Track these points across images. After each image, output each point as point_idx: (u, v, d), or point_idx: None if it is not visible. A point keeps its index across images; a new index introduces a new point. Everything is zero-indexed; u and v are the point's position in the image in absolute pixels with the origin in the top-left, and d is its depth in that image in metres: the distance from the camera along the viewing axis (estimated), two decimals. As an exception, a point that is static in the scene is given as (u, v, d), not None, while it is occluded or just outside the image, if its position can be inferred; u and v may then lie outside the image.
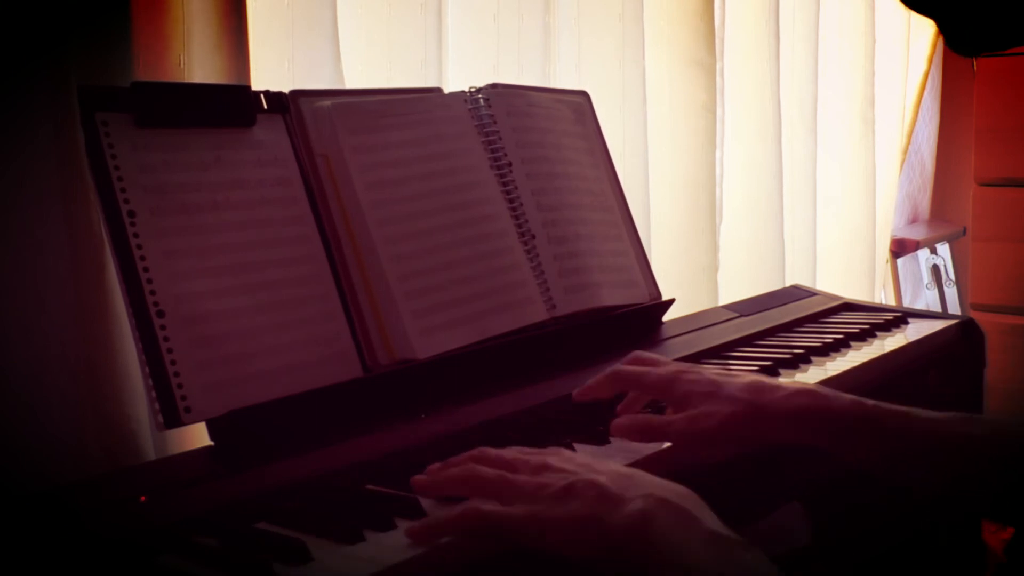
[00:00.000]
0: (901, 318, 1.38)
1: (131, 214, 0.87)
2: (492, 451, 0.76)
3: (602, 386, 0.93)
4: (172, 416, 0.83)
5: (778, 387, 0.87)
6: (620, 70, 1.58)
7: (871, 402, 0.86)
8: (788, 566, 0.74)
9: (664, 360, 0.94)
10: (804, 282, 1.83)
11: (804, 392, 0.86)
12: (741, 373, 0.92)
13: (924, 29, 2.59)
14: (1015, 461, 0.81)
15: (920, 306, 2.77)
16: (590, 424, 0.91)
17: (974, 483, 0.82)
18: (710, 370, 0.91)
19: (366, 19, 1.29)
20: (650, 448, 0.86)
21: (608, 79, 1.57)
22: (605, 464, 0.73)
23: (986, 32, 0.78)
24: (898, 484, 0.86)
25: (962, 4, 0.75)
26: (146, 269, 0.86)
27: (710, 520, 0.65)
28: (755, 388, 0.86)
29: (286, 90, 1.02)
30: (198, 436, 0.90)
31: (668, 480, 0.70)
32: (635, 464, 0.83)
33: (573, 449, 0.86)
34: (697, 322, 1.33)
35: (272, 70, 1.15)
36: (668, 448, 0.87)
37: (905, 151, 2.59)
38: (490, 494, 0.71)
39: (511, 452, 0.76)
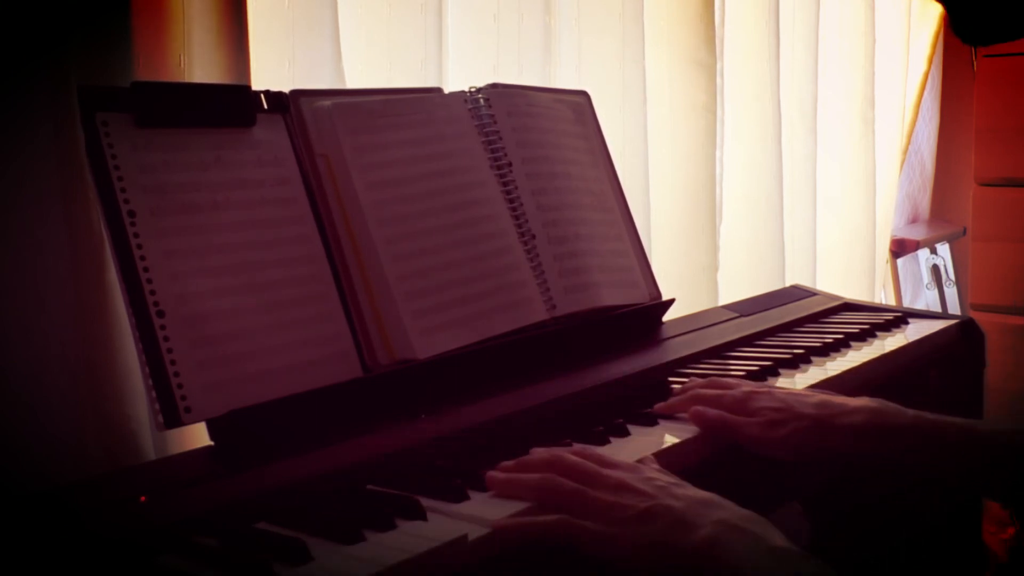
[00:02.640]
0: (901, 318, 1.38)
1: (131, 214, 0.87)
2: (570, 459, 0.78)
3: (684, 405, 0.96)
4: (172, 416, 0.83)
5: (844, 404, 0.93)
6: (620, 70, 1.58)
7: (932, 416, 0.92)
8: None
9: (737, 383, 0.99)
10: (804, 282, 1.83)
11: (868, 409, 0.92)
12: (810, 393, 0.97)
13: (924, 29, 2.59)
14: None
15: (920, 306, 2.77)
16: (589, 425, 0.92)
17: None
18: (780, 390, 0.97)
19: (366, 19, 1.29)
20: (649, 448, 0.86)
21: (608, 79, 1.57)
22: (682, 488, 0.75)
23: (993, 22, 0.78)
24: (966, 493, 0.91)
25: None
26: (146, 269, 0.86)
27: (775, 537, 0.69)
28: (823, 404, 0.93)
29: (286, 90, 1.02)
30: (198, 436, 0.90)
31: (734, 504, 0.74)
32: (642, 460, 0.84)
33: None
34: (697, 322, 1.33)
35: (272, 70, 1.15)
36: (679, 443, 0.89)
37: (905, 151, 2.59)
38: (567, 507, 0.74)
39: (590, 464, 0.78)
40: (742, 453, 0.93)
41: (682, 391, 0.99)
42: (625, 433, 0.91)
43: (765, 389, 0.98)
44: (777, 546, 0.69)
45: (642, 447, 0.87)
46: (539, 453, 0.81)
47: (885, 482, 1.01)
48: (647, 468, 0.80)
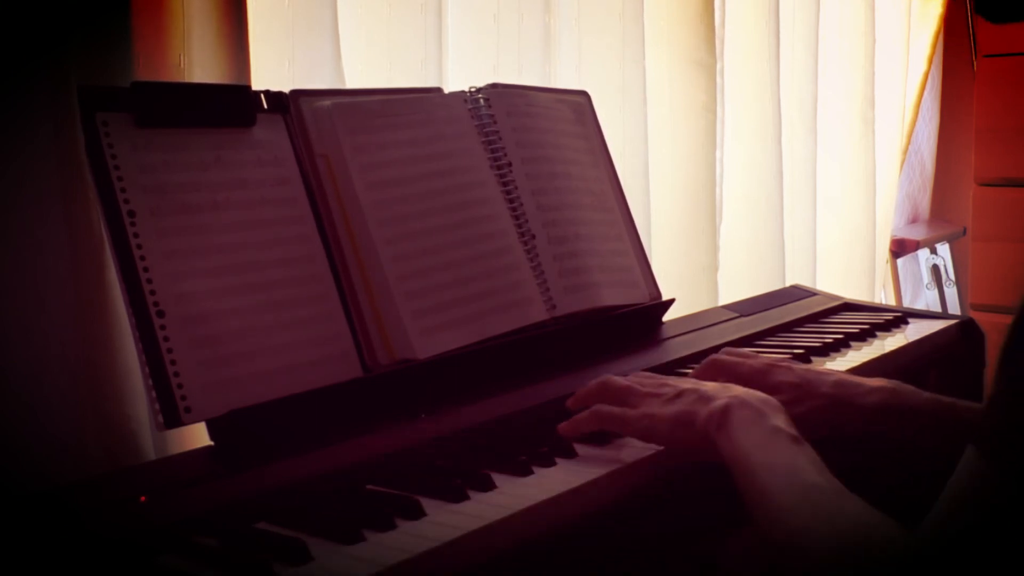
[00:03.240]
0: (901, 318, 1.38)
1: (131, 214, 0.87)
2: (614, 382, 0.91)
3: (704, 373, 1.00)
4: (172, 416, 0.83)
5: (861, 383, 0.96)
6: (620, 70, 1.58)
7: (948, 399, 0.94)
8: (787, 566, 0.74)
9: (755, 355, 1.03)
10: (804, 282, 1.83)
11: (885, 389, 0.95)
12: (828, 371, 1.00)
13: (924, 29, 2.59)
14: None
15: (920, 306, 2.77)
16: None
17: None
18: (799, 366, 0.99)
19: (366, 19, 1.29)
20: (647, 452, 0.86)
21: (608, 79, 1.57)
22: (711, 383, 0.87)
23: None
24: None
25: None
26: (146, 269, 0.86)
27: (777, 419, 0.80)
28: (840, 384, 0.96)
29: (286, 90, 1.02)
30: (198, 436, 0.90)
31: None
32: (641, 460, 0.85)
33: (573, 449, 0.86)
34: (697, 322, 1.33)
35: (272, 70, 1.15)
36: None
37: (905, 151, 2.59)
38: (617, 400, 0.88)
39: (631, 383, 0.90)
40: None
41: (702, 364, 1.02)
42: (618, 434, 0.91)
43: (784, 364, 1.00)
44: (776, 426, 0.79)
45: (642, 445, 0.87)
46: (591, 385, 0.92)
47: (900, 463, 1.02)
48: (683, 377, 0.92)
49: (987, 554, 0.59)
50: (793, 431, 0.79)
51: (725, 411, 0.80)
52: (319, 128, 1.01)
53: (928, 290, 2.78)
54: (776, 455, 0.76)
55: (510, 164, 1.16)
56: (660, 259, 1.65)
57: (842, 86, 2.26)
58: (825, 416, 0.94)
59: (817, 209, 2.19)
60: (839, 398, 0.94)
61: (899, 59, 2.48)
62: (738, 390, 0.84)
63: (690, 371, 1.11)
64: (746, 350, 1.06)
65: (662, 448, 0.87)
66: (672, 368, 1.13)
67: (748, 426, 0.79)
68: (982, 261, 2.52)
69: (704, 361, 1.02)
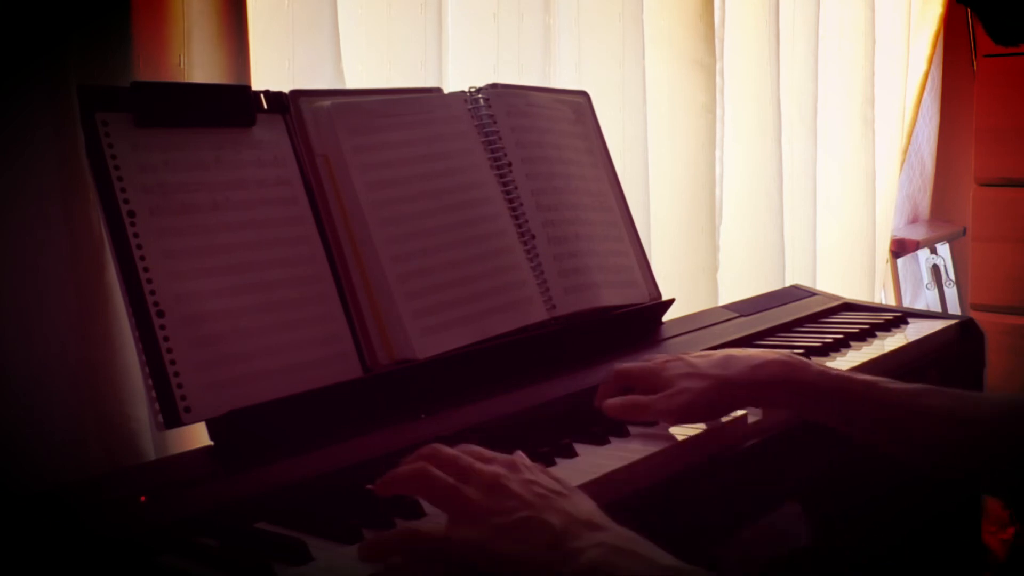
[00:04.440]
0: (901, 318, 1.38)
1: (131, 214, 0.87)
2: (446, 451, 0.73)
3: (610, 386, 0.99)
4: (172, 416, 0.83)
5: (748, 358, 0.96)
6: (620, 70, 1.58)
7: (836, 371, 0.95)
8: (787, 567, 0.74)
9: (654, 357, 1.02)
10: (804, 282, 1.83)
11: (772, 363, 0.95)
12: (715, 352, 1.00)
13: (924, 29, 2.59)
14: (983, 433, 0.90)
15: (920, 306, 2.77)
16: (589, 425, 0.92)
17: (936, 453, 0.91)
18: (690, 355, 0.99)
19: (366, 19, 1.29)
20: (646, 452, 0.86)
21: (608, 79, 1.57)
22: (562, 499, 0.69)
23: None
24: (865, 445, 0.96)
25: None
26: (146, 269, 0.86)
27: (663, 557, 0.65)
28: (723, 363, 0.96)
29: (286, 90, 1.02)
30: (198, 436, 0.91)
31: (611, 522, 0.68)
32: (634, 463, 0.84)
33: (573, 449, 0.86)
34: (697, 322, 1.33)
35: (272, 70, 1.15)
36: (684, 441, 0.90)
37: (905, 151, 2.59)
38: (438, 501, 0.70)
39: (466, 457, 0.72)
40: (755, 449, 0.94)
41: (609, 377, 1.00)
42: (625, 433, 0.91)
43: (677, 357, 0.99)
44: (670, 565, 0.64)
45: (642, 446, 0.87)
46: (422, 449, 0.74)
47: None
48: (525, 468, 0.73)
49: None
50: (681, 563, 0.65)
51: (596, 567, 0.64)
52: (319, 128, 1.01)
53: (928, 290, 2.78)
54: None
55: (510, 164, 1.16)
56: (660, 259, 1.65)
57: (842, 86, 2.26)
58: (713, 397, 0.93)
59: (817, 209, 2.19)
60: (721, 377, 0.94)
61: (899, 59, 2.48)
62: (604, 534, 0.67)
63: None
64: (640, 361, 1.01)
65: (661, 449, 0.87)
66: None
67: (638, 574, 0.64)
68: (982, 261, 2.52)
69: (611, 373, 1.00)
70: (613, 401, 0.95)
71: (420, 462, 0.71)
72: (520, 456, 0.75)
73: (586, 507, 0.70)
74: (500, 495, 0.68)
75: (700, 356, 0.99)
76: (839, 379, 0.94)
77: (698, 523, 0.86)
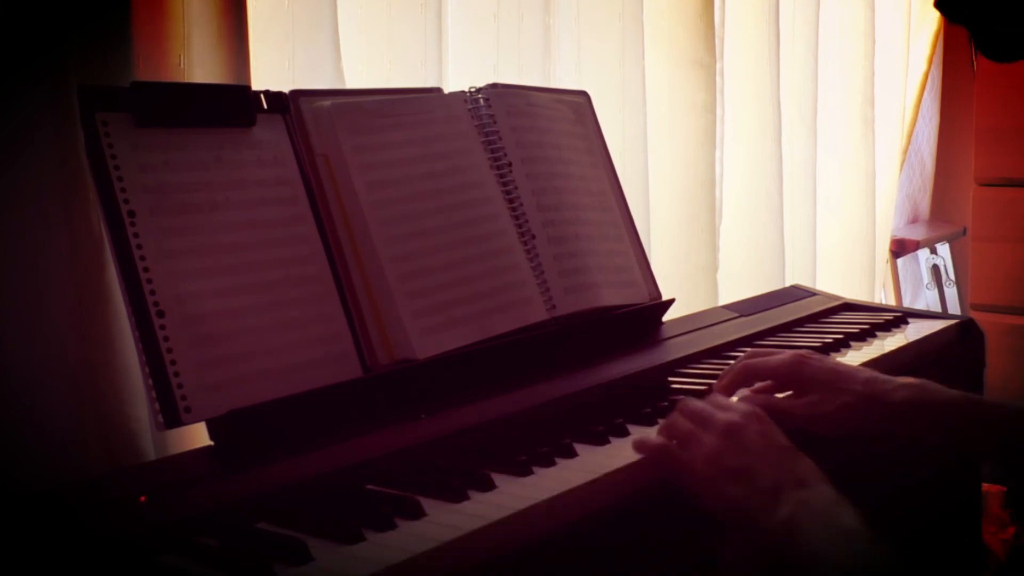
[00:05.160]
0: (901, 318, 1.38)
1: (131, 214, 0.87)
2: (692, 403, 0.88)
3: (737, 379, 1.00)
4: (172, 416, 0.83)
5: (889, 380, 0.96)
6: (620, 70, 1.58)
7: (975, 396, 0.96)
8: (788, 567, 0.74)
9: (780, 351, 1.02)
10: (804, 282, 1.83)
11: (913, 386, 0.95)
12: (858, 367, 1.00)
13: (924, 29, 2.59)
14: None
15: (920, 306, 2.77)
16: (589, 425, 0.91)
17: None
18: (830, 359, 1.01)
19: (366, 19, 1.29)
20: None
21: (608, 79, 1.57)
22: (783, 455, 0.82)
23: (1019, 39, 0.78)
24: (1008, 471, 0.95)
25: (995, 13, 0.76)
26: (146, 269, 0.86)
27: (848, 518, 0.75)
28: (871, 381, 0.96)
29: (286, 90, 1.02)
30: (198, 436, 0.91)
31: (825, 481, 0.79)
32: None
33: (573, 449, 0.86)
34: (697, 322, 1.33)
35: (272, 70, 1.15)
36: None
37: (905, 151, 2.59)
38: (682, 443, 0.84)
39: (708, 407, 0.87)
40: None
41: (732, 367, 1.01)
42: (625, 433, 0.91)
43: (814, 356, 1.00)
44: (848, 527, 0.74)
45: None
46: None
47: (930, 460, 1.04)
48: (758, 419, 0.86)
49: None
50: (864, 527, 0.74)
51: (791, 522, 0.75)
52: (319, 128, 1.01)
53: (928, 290, 2.78)
54: (857, 566, 0.72)
55: (510, 164, 1.16)
56: (660, 259, 1.65)
57: (842, 86, 2.26)
58: (855, 413, 0.94)
59: (817, 209, 2.19)
60: (868, 395, 0.94)
61: (899, 59, 2.48)
62: (806, 491, 0.78)
63: (692, 371, 1.12)
64: (765, 348, 1.05)
65: None
66: (672, 368, 1.13)
67: (821, 535, 0.75)
68: (982, 261, 2.51)
69: (739, 367, 1.00)
70: (754, 397, 0.96)
71: (674, 413, 0.88)
72: (756, 408, 0.87)
73: (804, 467, 0.81)
74: (732, 440, 0.82)
75: (838, 363, 0.99)
76: (980, 405, 0.94)
77: (700, 522, 0.86)
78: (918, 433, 0.95)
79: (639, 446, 0.84)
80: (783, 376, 0.99)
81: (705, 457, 0.82)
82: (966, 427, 0.94)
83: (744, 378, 1.00)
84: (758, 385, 1.01)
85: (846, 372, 0.97)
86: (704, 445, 0.83)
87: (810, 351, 1.03)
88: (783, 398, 0.98)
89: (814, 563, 0.73)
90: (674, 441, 0.86)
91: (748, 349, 1.23)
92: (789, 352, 1.00)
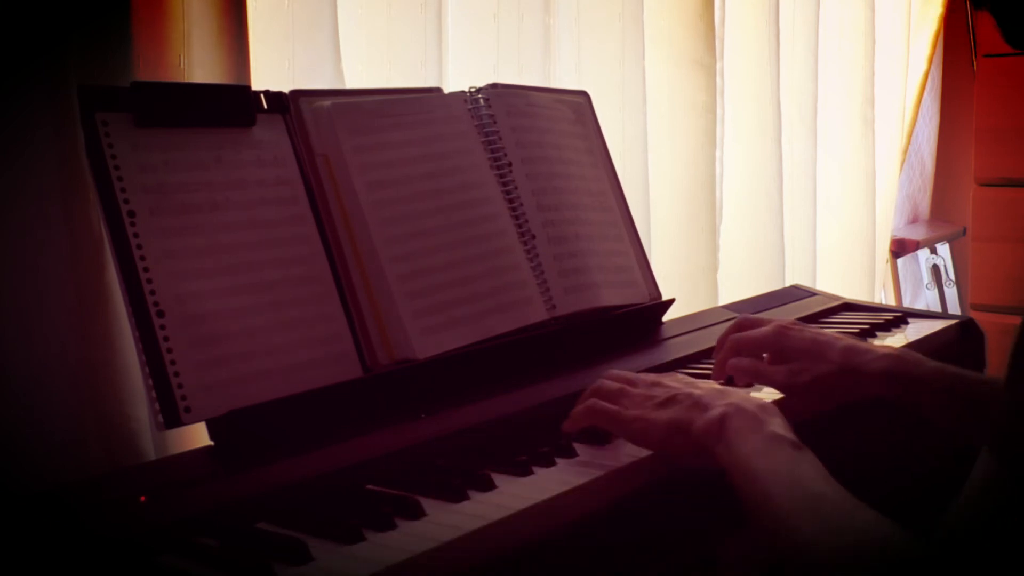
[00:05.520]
0: (901, 318, 1.38)
1: (131, 214, 0.87)
2: (618, 372, 0.92)
3: (726, 355, 1.03)
4: (172, 416, 0.83)
5: (869, 350, 0.98)
6: (620, 70, 1.58)
7: (953, 368, 0.97)
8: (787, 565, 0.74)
9: (766, 320, 1.05)
10: (804, 282, 1.83)
11: (891, 356, 0.97)
12: (838, 336, 1.01)
13: (924, 29, 2.59)
14: None
15: (920, 306, 2.77)
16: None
17: None
18: (810, 329, 1.02)
19: (366, 19, 1.29)
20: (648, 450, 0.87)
21: (608, 79, 1.57)
22: (706, 383, 0.88)
23: None
24: (974, 443, 0.95)
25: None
26: (146, 269, 0.86)
27: (776, 426, 0.79)
28: (849, 350, 0.98)
29: (286, 90, 1.02)
30: (198, 436, 0.90)
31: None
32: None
33: (573, 449, 0.86)
34: (697, 322, 1.32)
35: (272, 70, 1.15)
36: None
37: (905, 151, 2.59)
38: (611, 400, 0.87)
39: (633, 374, 0.91)
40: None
41: (720, 347, 1.04)
42: (625, 433, 0.91)
43: (795, 325, 1.02)
44: (774, 432, 0.77)
45: (639, 449, 0.87)
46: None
47: (927, 454, 1.05)
48: (674, 375, 0.92)
49: (1007, 561, 0.58)
50: (792, 436, 0.78)
51: (723, 420, 0.79)
52: (319, 128, 1.01)
53: (928, 290, 2.78)
54: (778, 462, 0.75)
55: (510, 164, 1.16)
56: (660, 259, 1.65)
57: (842, 86, 2.26)
58: (833, 382, 0.96)
59: (817, 209, 2.19)
60: (847, 364, 0.96)
61: (899, 59, 2.48)
62: (734, 396, 0.83)
63: (692, 371, 1.12)
64: (754, 318, 1.07)
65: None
66: (672, 368, 1.13)
67: (747, 434, 0.78)
68: (982, 261, 2.51)
69: (727, 345, 1.03)
70: (740, 362, 1.00)
71: (599, 379, 0.91)
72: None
73: (722, 386, 0.87)
74: (655, 387, 0.87)
75: (821, 334, 1.01)
76: (959, 377, 0.96)
77: (700, 521, 0.86)
78: (900, 402, 0.97)
79: (568, 423, 0.88)
80: (767, 347, 1.01)
81: (634, 400, 0.86)
82: (944, 400, 0.95)
83: (732, 352, 1.03)
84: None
85: (825, 341, 0.99)
86: (633, 395, 0.87)
87: (794, 320, 1.05)
88: (766, 365, 1.00)
89: (740, 454, 0.77)
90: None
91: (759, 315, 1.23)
92: (772, 323, 1.03)
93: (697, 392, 0.84)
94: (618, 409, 0.86)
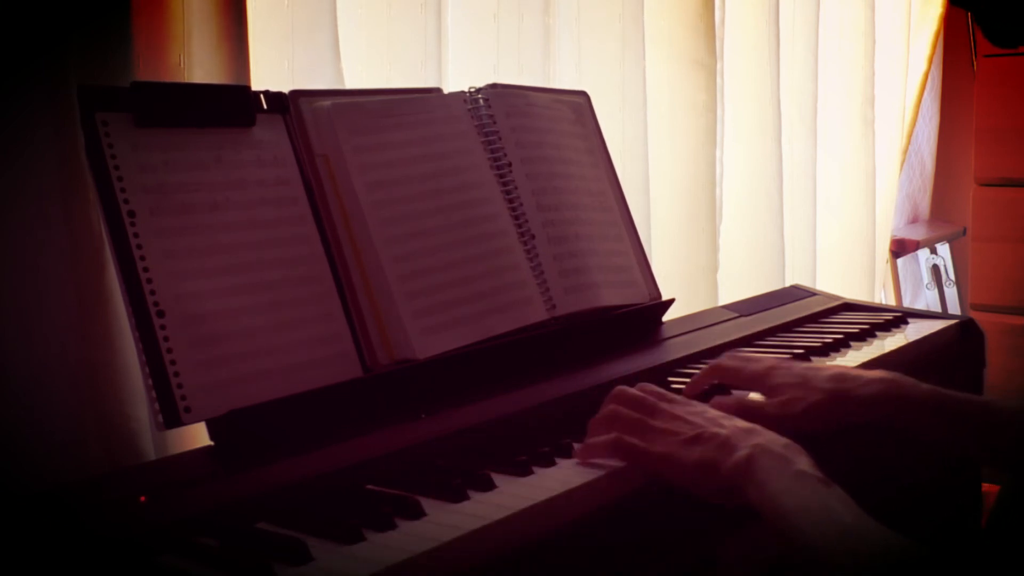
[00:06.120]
0: (901, 318, 1.38)
1: (131, 214, 0.87)
2: (632, 392, 0.90)
3: (705, 378, 1.03)
4: (172, 416, 0.83)
5: (859, 376, 0.98)
6: (620, 70, 1.58)
7: (947, 391, 0.96)
8: (788, 568, 0.75)
9: (757, 357, 1.05)
10: (804, 282, 1.83)
11: (883, 380, 0.97)
12: (827, 367, 1.02)
13: (924, 29, 2.59)
14: None
15: (920, 306, 2.77)
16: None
17: None
18: (799, 365, 1.02)
19: (366, 19, 1.29)
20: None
21: (608, 79, 1.57)
22: (729, 420, 0.86)
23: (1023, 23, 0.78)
24: (983, 463, 0.95)
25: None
26: (146, 269, 0.86)
27: (801, 463, 0.79)
28: (839, 378, 0.98)
29: (286, 90, 1.02)
30: (198, 436, 0.91)
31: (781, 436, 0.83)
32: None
33: (573, 449, 0.86)
34: (697, 322, 1.32)
35: (272, 70, 1.15)
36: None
37: (905, 151, 2.59)
38: (631, 432, 0.85)
39: (649, 397, 0.90)
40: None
41: (707, 369, 1.04)
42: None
43: (784, 364, 1.02)
44: (802, 470, 0.78)
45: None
46: (611, 393, 0.91)
47: (904, 456, 1.04)
48: (699, 405, 0.90)
49: None
50: (819, 473, 0.78)
51: (749, 460, 0.79)
52: (319, 128, 1.01)
53: (928, 290, 2.78)
54: (807, 499, 0.76)
55: (510, 164, 1.16)
56: (660, 259, 1.65)
57: (842, 86, 2.26)
58: (825, 410, 0.96)
59: (817, 209, 2.19)
60: (837, 392, 0.96)
61: (899, 59, 2.48)
62: (760, 436, 0.83)
63: (692, 372, 1.12)
64: (747, 352, 1.07)
65: None
66: (672, 368, 1.13)
67: (774, 473, 0.78)
68: (982, 261, 2.51)
69: (710, 366, 1.04)
70: (724, 399, 0.97)
71: (611, 405, 0.89)
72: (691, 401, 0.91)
73: (748, 424, 0.85)
74: (679, 422, 0.86)
75: (810, 368, 1.01)
76: (951, 398, 0.95)
77: (700, 521, 0.86)
78: (893, 426, 0.96)
79: (586, 451, 0.85)
80: (752, 385, 1.01)
81: (657, 434, 0.85)
82: (941, 422, 0.94)
83: (712, 377, 1.03)
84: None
85: (813, 373, 0.99)
86: (654, 429, 0.86)
87: (781, 360, 1.04)
88: (755, 399, 0.99)
89: (768, 494, 0.77)
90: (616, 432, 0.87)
91: (748, 349, 1.23)
92: (763, 363, 1.02)
93: (724, 432, 0.83)
94: (645, 446, 0.84)
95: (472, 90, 1.18)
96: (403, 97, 1.11)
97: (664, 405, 0.89)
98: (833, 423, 0.96)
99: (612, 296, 1.21)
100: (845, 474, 0.96)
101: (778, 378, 0.99)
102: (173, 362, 0.84)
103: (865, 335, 1.27)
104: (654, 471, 0.84)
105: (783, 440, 0.83)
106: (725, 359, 1.04)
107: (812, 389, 0.97)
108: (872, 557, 0.70)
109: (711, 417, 0.87)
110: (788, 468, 0.78)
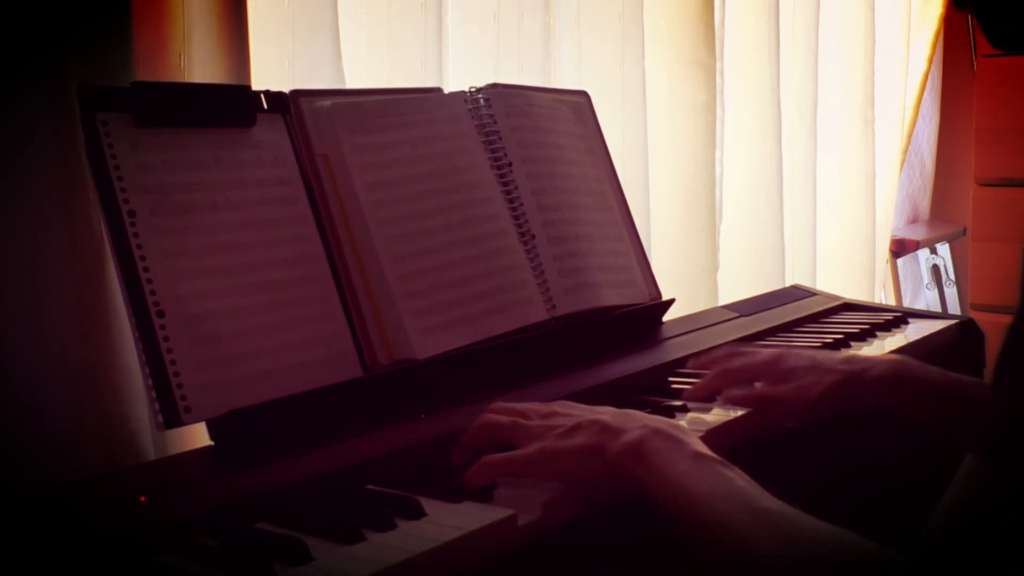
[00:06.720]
0: (901, 318, 1.38)
1: (131, 214, 0.87)
2: (504, 404, 0.85)
3: (716, 380, 1.00)
4: (172, 416, 0.83)
5: (869, 358, 0.99)
6: (620, 70, 1.58)
7: (954, 374, 0.97)
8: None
9: (756, 349, 1.05)
10: (804, 282, 1.83)
11: (892, 361, 0.98)
12: (833, 352, 1.03)
13: (924, 29, 2.59)
14: None
15: (920, 306, 2.77)
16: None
17: None
18: (806, 351, 1.02)
19: (366, 19, 1.29)
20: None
21: (608, 79, 1.57)
22: (606, 408, 0.82)
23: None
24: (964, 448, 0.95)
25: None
26: (146, 269, 0.86)
27: (696, 444, 0.75)
28: (850, 360, 0.98)
29: (286, 90, 1.02)
30: (198, 436, 0.90)
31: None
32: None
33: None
34: (697, 322, 1.32)
35: (272, 70, 1.15)
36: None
37: (905, 151, 2.59)
38: (507, 439, 0.80)
39: (522, 405, 0.84)
40: (753, 445, 0.94)
41: (710, 369, 1.02)
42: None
43: (791, 351, 1.01)
44: (699, 451, 0.74)
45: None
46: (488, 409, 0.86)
47: (909, 439, 1.04)
48: (567, 403, 0.85)
49: (993, 560, 0.58)
50: (713, 453, 0.74)
51: (640, 443, 0.74)
52: (319, 128, 1.01)
53: (928, 290, 2.78)
54: (714, 482, 0.71)
55: (510, 164, 1.16)
56: (660, 259, 1.64)
57: (842, 86, 2.26)
58: (840, 391, 0.95)
59: (817, 209, 2.19)
60: (850, 372, 0.96)
61: (899, 59, 2.48)
62: (644, 418, 0.78)
63: (692, 372, 1.12)
64: (745, 348, 1.07)
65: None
66: (672, 368, 1.13)
67: (669, 455, 0.73)
68: (982, 261, 2.51)
69: (718, 369, 1.01)
70: (738, 392, 0.96)
71: (485, 415, 0.83)
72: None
73: (624, 410, 0.81)
74: (554, 417, 0.81)
75: (817, 352, 1.01)
76: (957, 381, 0.96)
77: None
78: (903, 409, 0.96)
79: (470, 475, 0.77)
80: (764, 374, 1.00)
81: (531, 433, 0.79)
82: (945, 405, 0.94)
83: (723, 378, 1.00)
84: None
85: (825, 356, 0.99)
86: (530, 428, 0.80)
87: (787, 349, 1.04)
88: (770, 387, 0.99)
89: (665, 475, 0.72)
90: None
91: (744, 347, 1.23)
92: (771, 350, 1.02)
93: (604, 418, 0.78)
94: (516, 454, 0.78)
95: (472, 90, 1.18)
96: (403, 97, 1.11)
97: (536, 406, 0.84)
98: (848, 403, 0.96)
99: (612, 296, 1.21)
100: (844, 469, 0.97)
101: (790, 362, 0.98)
102: (173, 362, 0.84)
103: (865, 335, 1.27)
104: (534, 471, 0.77)
105: (668, 421, 0.80)
106: (727, 355, 1.04)
107: (827, 371, 0.96)
108: (801, 537, 0.66)
109: (587, 408, 0.82)
110: (684, 449, 0.73)
